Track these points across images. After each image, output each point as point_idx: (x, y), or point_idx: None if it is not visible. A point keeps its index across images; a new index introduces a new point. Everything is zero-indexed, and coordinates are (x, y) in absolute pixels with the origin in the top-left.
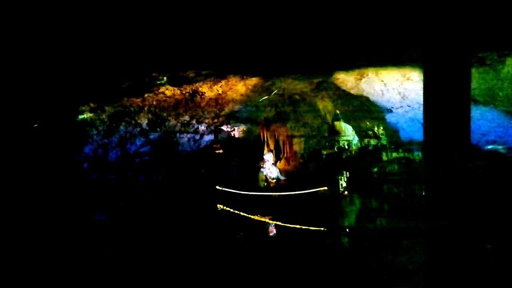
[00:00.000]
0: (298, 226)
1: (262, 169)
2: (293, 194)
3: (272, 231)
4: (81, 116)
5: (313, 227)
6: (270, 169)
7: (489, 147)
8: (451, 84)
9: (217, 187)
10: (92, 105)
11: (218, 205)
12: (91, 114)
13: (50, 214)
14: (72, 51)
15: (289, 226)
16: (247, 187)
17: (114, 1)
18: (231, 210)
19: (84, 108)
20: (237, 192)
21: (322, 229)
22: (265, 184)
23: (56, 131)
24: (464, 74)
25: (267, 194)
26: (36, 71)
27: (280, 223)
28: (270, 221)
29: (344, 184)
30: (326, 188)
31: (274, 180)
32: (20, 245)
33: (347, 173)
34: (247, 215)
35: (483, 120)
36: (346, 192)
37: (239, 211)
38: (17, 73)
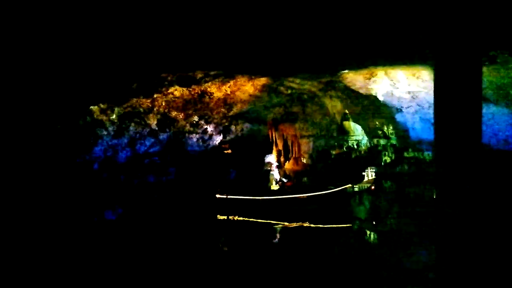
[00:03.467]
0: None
1: (272, 172)
2: (323, 194)
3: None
4: (91, 117)
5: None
6: (275, 171)
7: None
8: (462, 83)
9: (217, 195)
10: (102, 106)
11: (235, 216)
12: (101, 115)
13: (61, 213)
14: (82, 53)
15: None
16: (259, 191)
17: (124, 3)
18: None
19: (94, 109)
20: (257, 198)
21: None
22: (278, 186)
23: (66, 131)
24: (475, 73)
25: (294, 196)
26: (47, 73)
27: (315, 225)
28: (307, 224)
29: (371, 180)
30: (350, 185)
31: (280, 182)
32: (30, 243)
33: (372, 169)
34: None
35: (494, 119)
36: (373, 187)
37: (264, 217)
38: (29, 75)
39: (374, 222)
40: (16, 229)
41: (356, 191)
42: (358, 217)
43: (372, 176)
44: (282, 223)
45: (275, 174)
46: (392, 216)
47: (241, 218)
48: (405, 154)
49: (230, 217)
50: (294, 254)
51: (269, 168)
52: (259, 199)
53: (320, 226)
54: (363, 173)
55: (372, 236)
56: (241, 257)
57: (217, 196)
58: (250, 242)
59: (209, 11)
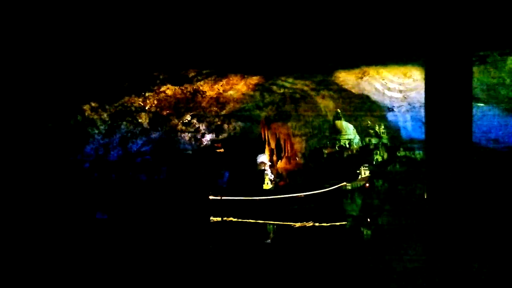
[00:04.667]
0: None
1: (266, 172)
2: (320, 192)
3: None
4: (82, 116)
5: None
6: (269, 171)
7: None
8: (453, 82)
9: (211, 197)
10: (93, 104)
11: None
12: (92, 114)
13: (51, 213)
14: (73, 51)
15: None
16: (254, 192)
17: (115, 2)
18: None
19: (85, 107)
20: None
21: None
22: (272, 186)
23: (57, 130)
24: (465, 73)
25: (292, 196)
26: (38, 72)
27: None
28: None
29: (365, 178)
30: (345, 183)
31: (274, 182)
32: (22, 243)
33: (366, 167)
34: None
35: (484, 118)
36: (367, 185)
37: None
38: (20, 73)
39: (368, 220)
40: (7, 226)
41: (351, 189)
42: (354, 214)
43: (366, 174)
44: (286, 223)
45: (269, 173)
46: (384, 213)
47: (240, 220)
48: (397, 153)
49: (227, 219)
50: (302, 255)
51: (263, 168)
52: (256, 199)
53: (322, 225)
54: (357, 172)
55: (365, 233)
56: (251, 262)
57: (211, 197)
58: (259, 247)
59: (202, 10)
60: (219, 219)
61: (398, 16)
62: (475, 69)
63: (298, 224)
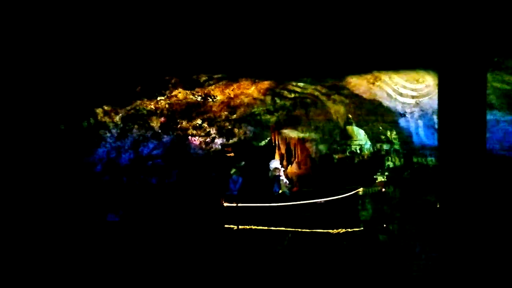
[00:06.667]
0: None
1: (281, 177)
2: (340, 198)
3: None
4: (95, 119)
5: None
6: (282, 176)
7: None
8: (467, 89)
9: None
10: (105, 108)
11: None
12: (105, 117)
13: (63, 215)
14: (85, 54)
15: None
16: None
17: (127, 5)
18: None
19: (98, 110)
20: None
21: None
22: (287, 191)
23: (70, 133)
24: (479, 79)
25: (313, 201)
26: (51, 74)
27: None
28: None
29: (381, 183)
30: (362, 189)
31: (286, 188)
32: (31, 247)
33: (381, 173)
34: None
35: (498, 125)
36: (383, 190)
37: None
38: (33, 76)
39: (384, 225)
40: (18, 230)
41: (368, 194)
42: (368, 220)
43: (381, 179)
44: (308, 230)
45: (284, 179)
46: (396, 221)
47: (258, 228)
48: (408, 160)
49: (243, 227)
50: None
51: (278, 174)
52: (274, 206)
53: (347, 230)
54: (374, 177)
55: (382, 238)
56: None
57: (225, 204)
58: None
59: (213, 14)
60: (234, 226)
61: (411, 21)
62: (489, 75)
63: (338, 231)
